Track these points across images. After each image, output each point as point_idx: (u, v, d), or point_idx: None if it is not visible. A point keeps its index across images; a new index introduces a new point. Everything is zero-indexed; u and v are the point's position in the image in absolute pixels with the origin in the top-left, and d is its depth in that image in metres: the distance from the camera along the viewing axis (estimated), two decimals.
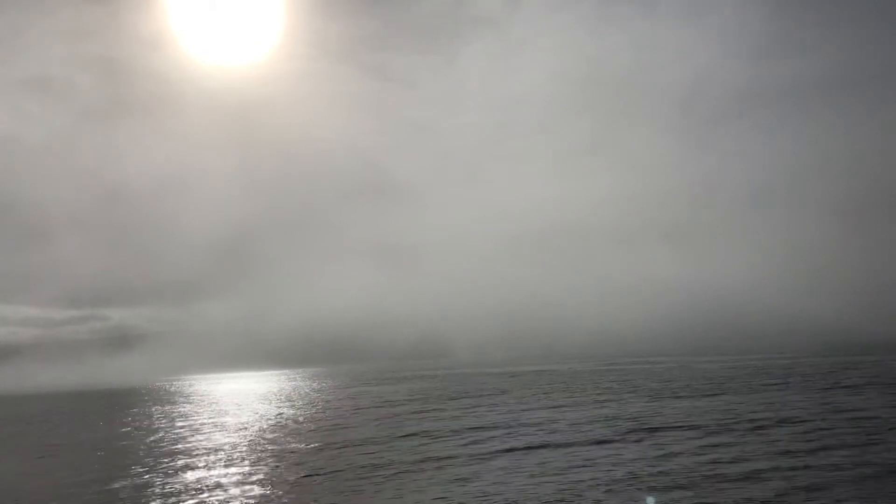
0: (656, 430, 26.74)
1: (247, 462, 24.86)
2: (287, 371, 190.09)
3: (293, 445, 28.73)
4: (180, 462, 25.70)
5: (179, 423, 42.18)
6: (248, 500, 18.74)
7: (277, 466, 23.74)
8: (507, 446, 24.81)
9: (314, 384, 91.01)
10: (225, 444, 30.29)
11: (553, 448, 23.93)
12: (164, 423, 43.00)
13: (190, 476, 22.70)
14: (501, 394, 49.67)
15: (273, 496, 19.15)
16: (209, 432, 35.53)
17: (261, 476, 22.05)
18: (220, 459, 25.71)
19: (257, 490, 19.97)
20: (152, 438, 34.53)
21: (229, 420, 42.42)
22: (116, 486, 21.93)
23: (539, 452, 23.22)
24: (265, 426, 37.23)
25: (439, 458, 23.11)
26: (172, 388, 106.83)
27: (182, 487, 20.94)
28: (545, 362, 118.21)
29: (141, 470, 24.61)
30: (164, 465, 25.15)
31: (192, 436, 34.40)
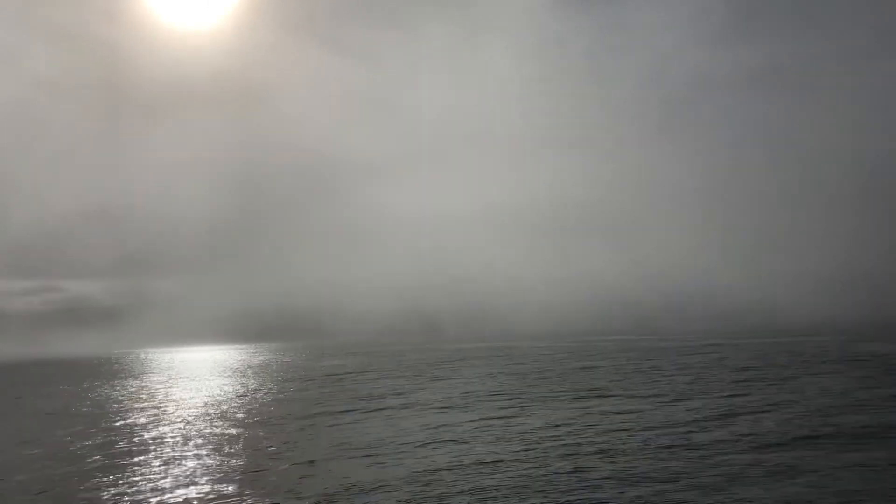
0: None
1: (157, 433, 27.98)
2: (247, 346, 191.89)
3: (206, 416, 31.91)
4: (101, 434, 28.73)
5: (110, 394, 45.05)
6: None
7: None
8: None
9: (265, 358, 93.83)
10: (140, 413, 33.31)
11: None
12: (98, 395, 45.81)
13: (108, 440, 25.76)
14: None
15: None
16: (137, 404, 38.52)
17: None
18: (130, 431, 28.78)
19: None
20: (80, 409, 37.37)
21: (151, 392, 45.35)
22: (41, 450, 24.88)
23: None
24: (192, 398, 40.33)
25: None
26: (126, 360, 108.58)
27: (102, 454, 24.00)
28: (507, 339, 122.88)
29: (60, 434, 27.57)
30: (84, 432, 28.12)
31: (123, 406, 37.36)
